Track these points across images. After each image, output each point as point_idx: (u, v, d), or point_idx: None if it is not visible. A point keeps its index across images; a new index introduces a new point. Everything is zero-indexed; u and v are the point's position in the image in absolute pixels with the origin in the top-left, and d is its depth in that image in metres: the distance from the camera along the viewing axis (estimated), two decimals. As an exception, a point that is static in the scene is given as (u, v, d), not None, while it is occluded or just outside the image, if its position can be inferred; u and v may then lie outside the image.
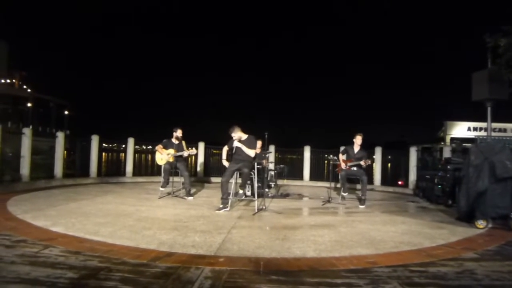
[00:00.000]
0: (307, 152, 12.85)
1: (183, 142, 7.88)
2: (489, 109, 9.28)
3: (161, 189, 7.67)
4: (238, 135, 6.45)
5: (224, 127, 6.62)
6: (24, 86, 34.54)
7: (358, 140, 7.68)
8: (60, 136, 10.12)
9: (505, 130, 20.66)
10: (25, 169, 8.70)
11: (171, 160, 7.56)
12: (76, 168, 10.91)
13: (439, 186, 8.11)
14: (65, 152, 10.47)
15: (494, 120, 10.11)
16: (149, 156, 13.19)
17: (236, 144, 6.40)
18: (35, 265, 2.97)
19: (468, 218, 5.50)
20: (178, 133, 7.77)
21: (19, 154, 8.72)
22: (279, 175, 10.50)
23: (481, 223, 5.22)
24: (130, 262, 3.17)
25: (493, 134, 14.80)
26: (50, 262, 3.06)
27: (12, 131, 12.01)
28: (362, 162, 7.39)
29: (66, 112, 35.13)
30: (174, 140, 7.73)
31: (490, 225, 5.29)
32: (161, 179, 7.70)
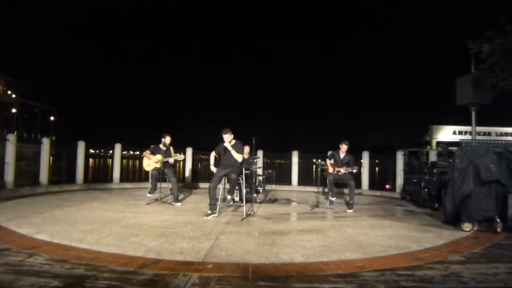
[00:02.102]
0: (295, 157, 12.90)
1: (171, 148, 7.84)
2: (473, 113, 9.46)
3: (149, 195, 7.60)
4: (230, 137, 6.42)
5: (211, 132, 6.61)
6: (9, 92, 34.01)
7: (343, 148, 7.74)
8: (46, 142, 9.98)
9: (489, 134, 21.00)
10: (9, 176, 8.56)
11: (158, 166, 7.51)
12: (62, 174, 10.77)
13: (426, 190, 8.20)
14: (51, 158, 10.32)
15: (479, 123, 10.28)
16: (137, 162, 13.08)
17: (227, 145, 6.37)
18: (19, 274, 2.91)
19: (454, 221, 5.57)
20: (167, 139, 7.74)
21: (3, 160, 8.57)
22: (267, 180, 10.50)
23: (467, 226, 5.28)
24: (117, 269, 3.13)
25: (478, 137, 15.04)
26: (34, 271, 3.00)
27: (-4, 137, 11.79)
28: (349, 169, 7.46)
29: (52, 118, 34.74)
30: (162, 146, 7.69)
31: (475, 228, 5.37)
32: (148, 185, 7.63)
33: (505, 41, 8.22)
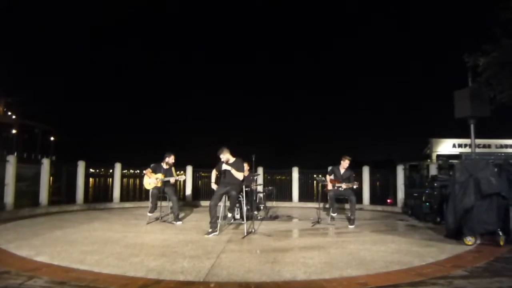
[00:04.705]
0: (295, 173, 12.86)
1: (173, 168, 7.83)
2: (472, 126, 9.44)
3: (149, 214, 7.55)
4: (226, 156, 6.44)
5: (211, 150, 6.62)
6: (9, 113, 34.13)
7: (345, 163, 7.73)
8: (46, 163, 9.98)
9: (489, 146, 21.01)
10: (9, 197, 8.53)
11: (159, 184, 7.49)
12: (62, 194, 10.73)
13: (427, 204, 8.18)
14: (51, 178, 10.30)
15: (479, 136, 10.27)
16: (137, 180, 13.05)
17: (224, 167, 6.38)
18: (19, 298, 2.89)
19: (456, 235, 5.54)
20: (171, 159, 7.72)
21: (3, 182, 8.56)
22: (268, 197, 10.46)
23: (469, 240, 5.25)
24: (117, 291, 3.11)
25: (478, 150, 15.04)
26: (34, 294, 2.98)
27: (-4, 158, 11.78)
28: (350, 184, 7.45)
29: (51, 138, 34.75)
30: (163, 165, 7.67)
31: (478, 241, 5.33)
32: (149, 204, 7.60)
33: (501, 54, 8.29)
